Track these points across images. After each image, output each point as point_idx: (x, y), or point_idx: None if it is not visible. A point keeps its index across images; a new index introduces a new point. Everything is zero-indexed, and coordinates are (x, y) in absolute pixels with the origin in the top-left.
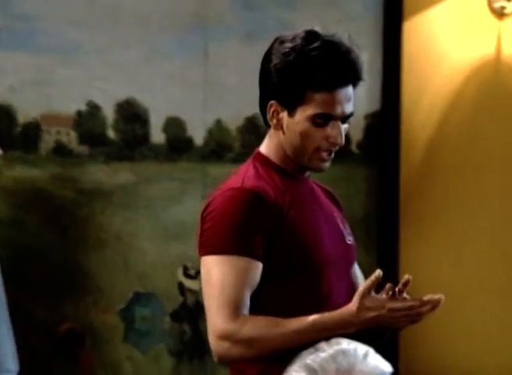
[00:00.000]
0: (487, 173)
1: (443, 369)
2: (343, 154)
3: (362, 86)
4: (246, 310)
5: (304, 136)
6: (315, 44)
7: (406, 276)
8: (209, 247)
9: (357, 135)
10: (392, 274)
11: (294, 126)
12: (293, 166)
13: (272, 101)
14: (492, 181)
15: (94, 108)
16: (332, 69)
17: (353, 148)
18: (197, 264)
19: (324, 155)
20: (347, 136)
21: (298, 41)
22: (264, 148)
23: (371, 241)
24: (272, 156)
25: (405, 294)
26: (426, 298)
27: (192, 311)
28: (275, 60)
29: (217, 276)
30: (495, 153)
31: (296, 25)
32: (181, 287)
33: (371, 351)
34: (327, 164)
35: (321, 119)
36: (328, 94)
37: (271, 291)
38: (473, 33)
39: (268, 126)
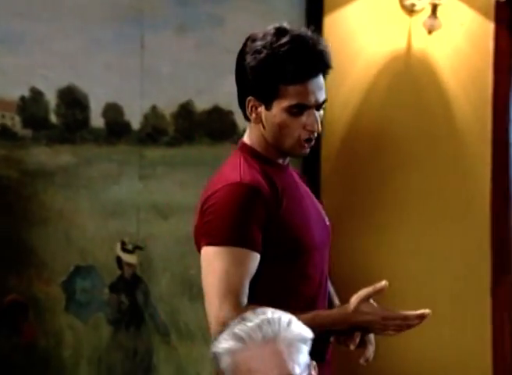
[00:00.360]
0: (399, 160)
1: (394, 361)
2: None
3: None
4: (246, 299)
5: (283, 126)
6: (284, 40)
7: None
8: (211, 238)
9: None
10: None
11: (272, 119)
12: (277, 154)
13: (250, 97)
14: (404, 168)
15: (37, 94)
16: (301, 62)
17: None
18: (133, 239)
19: (304, 143)
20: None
21: (268, 38)
22: (247, 139)
23: None
24: (257, 147)
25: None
26: (419, 312)
27: (129, 283)
28: (248, 58)
29: (219, 266)
30: (405, 140)
31: (226, 19)
32: (119, 261)
33: (294, 319)
34: (308, 149)
35: (297, 109)
36: (301, 85)
37: (267, 276)
38: (386, 29)
39: (248, 120)
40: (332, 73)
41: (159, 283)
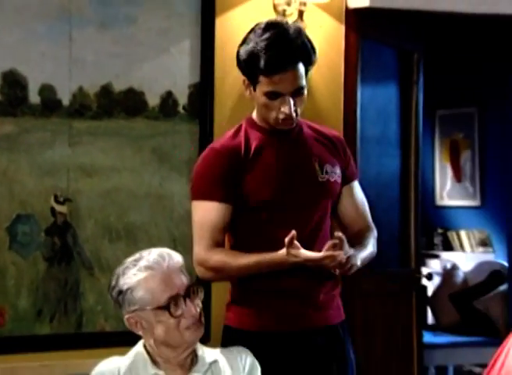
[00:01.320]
0: None
1: None
2: (171, 114)
3: (186, 63)
4: (218, 243)
5: (265, 107)
6: (265, 36)
7: (338, 234)
8: (190, 194)
9: (182, 100)
10: None
11: (258, 99)
12: (268, 124)
13: (244, 78)
14: None
15: None
16: (273, 57)
17: (180, 109)
18: (64, 193)
19: (282, 121)
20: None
21: (258, 31)
22: (254, 112)
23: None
24: (256, 118)
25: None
26: (332, 241)
27: (61, 228)
28: (241, 46)
29: (194, 218)
30: None
31: (138, 18)
32: (52, 211)
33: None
34: (290, 124)
35: (273, 95)
36: (275, 76)
37: (245, 224)
38: None
39: None
40: (222, 60)
41: (85, 228)
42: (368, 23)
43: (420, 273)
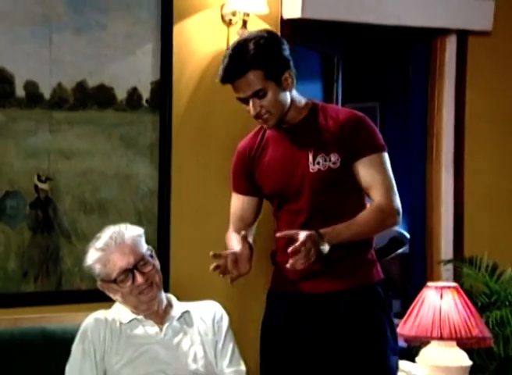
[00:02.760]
0: (227, 120)
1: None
2: (136, 106)
3: (149, 63)
4: (238, 229)
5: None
6: (227, 51)
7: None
8: None
9: (146, 94)
10: (166, 180)
11: None
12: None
13: None
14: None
15: None
16: (221, 70)
17: (144, 102)
18: (46, 173)
19: (259, 122)
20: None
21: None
22: None
23: (154, 159)
24: None
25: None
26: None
27: (43, 202)
28: None
29: None
30: (230, 121)
31: (108, 25)
32: (36, 188)
33: (128, 225)
34: (268, 124)
35: (240, 99)
36: (232, 85)
37: (273, 210)
38: (213, 35)
39: None
40: (179, 63)
41: (64, 202)
42: (298, 31)
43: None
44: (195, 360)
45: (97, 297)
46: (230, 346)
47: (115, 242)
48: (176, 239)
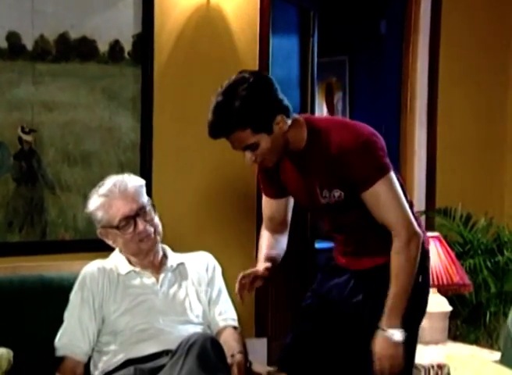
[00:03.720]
0: (208, 72)
1: None
2: (118, 59)
3: (131, 16)
4: (267, 227)
5: None
6: (212, 103)
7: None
8: None
9: (128, 47)
10: (148, 132)
11: None
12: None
13: None
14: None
15: None
16: (208, 126)
17: (126, 55)
18: (29, 125)
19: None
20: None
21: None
22: None
23: (136, 111)
24: None
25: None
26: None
27: (27, 154)
28: None
29: None
30: (203, 66)
31: None
32: (20, 139)
33: (132, 175)
34: (268, 166)
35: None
36: (226, 139)
37: None
38: None
39: None
40: (161, 16)
41: (47, 154)
42: None
43: None
44: (190, 310)
45: (80, 247)
46: (222, 295)
47: (119, 190)
48: (158, 190)
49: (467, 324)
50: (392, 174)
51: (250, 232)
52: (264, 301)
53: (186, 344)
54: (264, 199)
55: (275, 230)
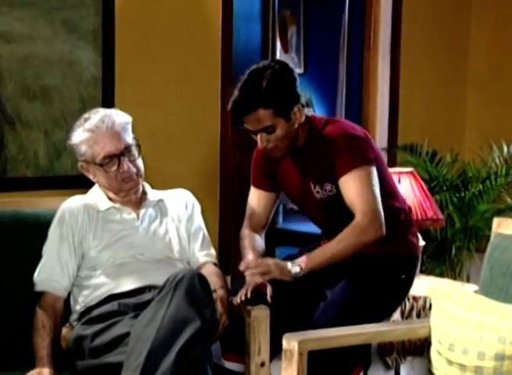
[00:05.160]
0: (174, 4)
1: None
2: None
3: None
4: (250, 217)
5: None
6: (239, 82)
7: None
8: None
9: None
10: (110, 67)
11: None
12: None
13: None
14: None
15: None
16: (231, 103)
17: None
18: None
19: (266, 153)
20: None
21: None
22: None
23: (97, 45)
24: None
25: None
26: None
27: None
28: None
29: None
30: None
31: None
32: None
33: (118, 111)
34: (276, 155)
35: (249, 131)
36: (243, 119)
37: None
38: None
39: None
40: None
41: (6, 88)
42: None
43: None
44: (170, 246)
45: (42, 184)
46: (201, 232)
47: (106, 126)
48: None
49: (432, 259)
50: (373, 170)
51: (212, 167)
52: (227, 239)
53: (173, 279)
54: (253, 192)
55: (255, 229)
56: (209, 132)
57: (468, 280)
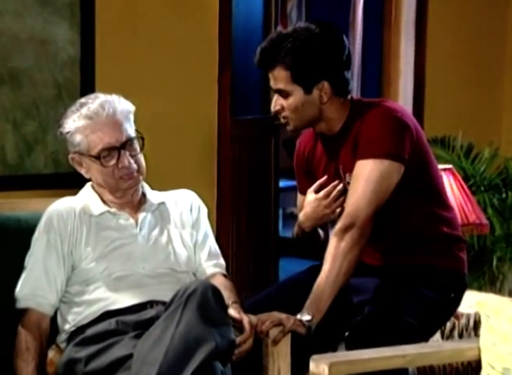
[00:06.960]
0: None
1: None
2: None
3: None
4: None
5: None
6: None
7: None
8: None
9: None
10: (90, 46)
11: None
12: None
13: None
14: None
15: None
16: (256, 54)
17: None
18: None
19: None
20: None
21: None
22: None
23: (75, 21)
24: None
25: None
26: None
27: None
28: None
29: None
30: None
31: None
32: None
33: (121, 98)
34: (287, 127)
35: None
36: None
37: None
38: None
39: None
40: None
41: None
42: None
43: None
44: (174, 256)
45: (12, 184)
46: (209, 239)
47: (107, 114)
48: None
49: (469, 272)
50: (395, 167)
51: (209, 162)
52: (226, 239)
53: (183, 293)
54: (299, 197)
55: None
56: (205, 123)
57: (511, 296)
